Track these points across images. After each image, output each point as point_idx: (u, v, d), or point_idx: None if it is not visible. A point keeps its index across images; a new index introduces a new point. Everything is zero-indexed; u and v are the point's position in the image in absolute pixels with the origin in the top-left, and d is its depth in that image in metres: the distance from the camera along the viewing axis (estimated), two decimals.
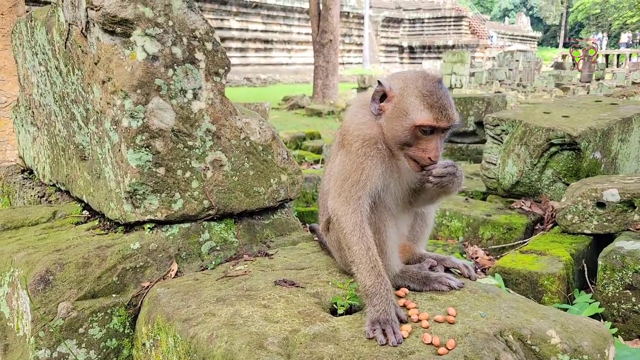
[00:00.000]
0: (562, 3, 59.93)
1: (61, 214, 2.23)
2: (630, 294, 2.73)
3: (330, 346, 1.29)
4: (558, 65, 35.59)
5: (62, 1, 1.96)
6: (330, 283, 1.69)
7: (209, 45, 1.90)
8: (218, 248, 2.01)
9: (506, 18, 65.53)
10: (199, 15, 1.87)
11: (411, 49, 45.61)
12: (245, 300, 1.56)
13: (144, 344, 1.65)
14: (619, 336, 2.65)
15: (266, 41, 35.07)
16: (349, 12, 40.81)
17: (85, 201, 2.22)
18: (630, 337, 2.75)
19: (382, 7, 45.11)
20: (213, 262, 1.95)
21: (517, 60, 31.42)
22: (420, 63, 44.50)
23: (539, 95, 21.86)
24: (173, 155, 1.85)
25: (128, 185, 1.81)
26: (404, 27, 46.76)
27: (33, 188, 2.81)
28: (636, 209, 3.08)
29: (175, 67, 1.82)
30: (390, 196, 1.60)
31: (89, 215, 2.20)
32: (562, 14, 62.39)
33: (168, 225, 1.92)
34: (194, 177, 1.91)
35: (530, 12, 71.39)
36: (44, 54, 2.34)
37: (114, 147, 1.85)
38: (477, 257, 3.93)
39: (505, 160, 4.40)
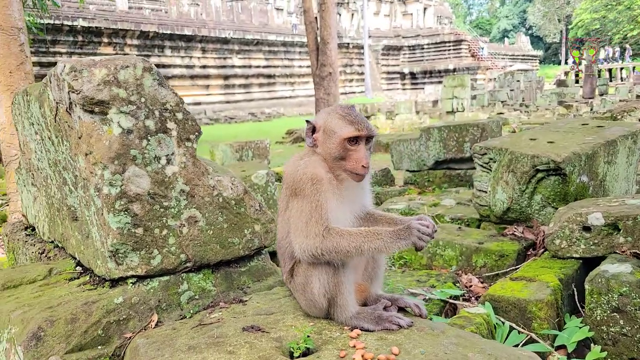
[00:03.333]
0: (559, 21, 60.49)
1: (56, 271, 2.44)
2: (618, 317, 2.77)
3: None
4: (560, 83, 35.78)
5: (50, 83, 2.20)
6: (293, 327, 1.86)
7: (179, 115, 2.13)
8: (197, 297, 2.20)
9: (506, 39, 66.26)
10: (169, 90, 2.11)
11: (412, 75, 46.22)
12: (213, 347, 1.74)
13: None
14: (608, 359, 2.70)
15: (269, 76, 35.84)
16: (348, 43, 41.64)
17: (77, 258, 2.43)
18: None
19: (381, 36, 45.96)
20: (191, 311, 2.13)
21: (518, 81, 31.68)
22: (422, 88, 45.00)
23: (541, 115, 21.99)
24: (150, 216, 2.06)
25: (110, 245, 2.01)
26: (404, 54, 47.53)
27: (34, 245, 3.03)
28: (621, 232, 3.13)
29: (149, 137, 2.05)
30: None
31: (82, 271, 2.41)
32: (561, 32, 62.92)
33: (149, 279, 2.11)
34: (171, 234, 2.12)
35: (530, 32, 72.18)
36: (38, 124, 2.59)
37: (98, 211, 2.07)
38: (471, 286, 3.99)
39: (495, 187, 4.45)
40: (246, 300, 2.19)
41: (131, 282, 2.10)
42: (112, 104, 1.97)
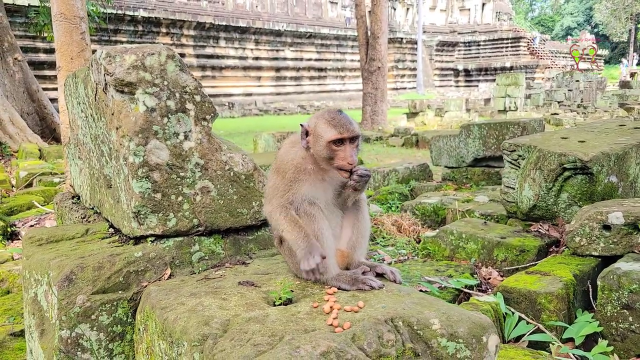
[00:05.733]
0: (627, 20, 57.30)
1: (92, 231, 2.82)
2: (627, 313, 2.87)
3: (257, 325, 1.73)
4: (624, 84, 34.07)
5: (92, 66, 2.57)
6: (281, 284, 2.13)
7: (197, 98, 2.44)
8: (206, 257, 2.51)
9: (569, 37, 63.53)
10: (189, 75, 2.41)
11: (467, 72, 45.28)
12: (210, 294, 2.04)
13: (139, 329, 2.16)
14: (614, 354, 2.79)
15: (320, 69, 36.15)
16: (402, 38, 41.30)
17: (110, 221, 2.80)
18: (629, 356, 2.88)
19: (436, 32, 45.25)
20: (200, 269, 2.45)
21: (577, 80, 30.50)
22: (477, 86, 43.99)
23: (598, 117, 21.18)
24: (168, 184, 2.38)
25: (134, 207, 2.35)
26: (459, 50, 46.61)
27: (78, 211, 3.44)
28: None
29: (170, 115, 2.36)
30: (322, 204, 2.08)
31: (113, 232, 2.77)
32: (630, 31, 59.67)
33: (165, 239, 2.44)
34: (185, 200, 2.43)
35: (595, 30, 68.87)
36: (84, 103, 2.97)
37: (125, 178, 2.41)
38: (489, 278, 4.11)
39: (522, 184, 4.51)
40: (249, 263, 2.48)
41: (150, 240, 2.43)
42: (139, 85, 2.29)
